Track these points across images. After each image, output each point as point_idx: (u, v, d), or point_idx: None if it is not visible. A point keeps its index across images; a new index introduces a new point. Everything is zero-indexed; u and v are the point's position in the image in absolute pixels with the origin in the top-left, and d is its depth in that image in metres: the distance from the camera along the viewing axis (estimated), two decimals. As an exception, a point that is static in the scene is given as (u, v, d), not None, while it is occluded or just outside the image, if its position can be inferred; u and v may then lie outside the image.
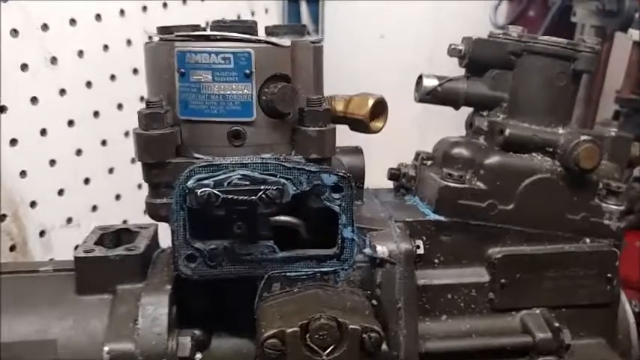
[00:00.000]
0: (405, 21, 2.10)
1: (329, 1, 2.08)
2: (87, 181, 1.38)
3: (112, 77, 1.41)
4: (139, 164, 1.49)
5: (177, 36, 0.74)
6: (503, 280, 0.86)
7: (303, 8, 2.08)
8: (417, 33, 2.12)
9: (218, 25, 0.75)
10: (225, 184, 0.73)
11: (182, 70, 0.74)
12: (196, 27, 0.77)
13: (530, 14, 2.05)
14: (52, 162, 1.31)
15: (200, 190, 0.70)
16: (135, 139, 0.75)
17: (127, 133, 1.45)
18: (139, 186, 1.48)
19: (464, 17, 2.06)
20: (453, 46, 0.89)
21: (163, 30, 0.76)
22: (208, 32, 0.74)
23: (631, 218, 1.52)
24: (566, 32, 1.61)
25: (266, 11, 1.85)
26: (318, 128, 0.77)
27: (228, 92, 0.74)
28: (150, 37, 0.77)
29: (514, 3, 2.10)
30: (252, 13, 1.78)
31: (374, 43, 2.11)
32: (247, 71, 0.73)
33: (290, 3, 2.05)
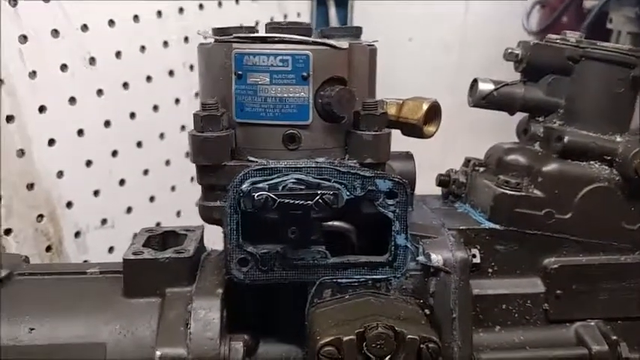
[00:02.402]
0: (432, 24, 2.09)
1: (357, 4, 2.08)
2: (122, 182, 1.38)
3: (148, 78, 1.41)
4: (173, 166, 1.50)
5: (234, 37, 0.73)
6: (558, 291, 0.84)
7: (332, 11, 2.08)
8: (444, 36, 2.11)
9: (274, 26, 0.74)
10: (280, 187, 0.72)
11: (239, 73, 0.73)
12: (252, 28, 0.76)
13: (564, 20, 2.02)
14: (89, 163, 1.31)
15: (257, 194, 0.69)
16: (190, 141, 0.74)
17: (162, 135, 1.44)
18: (173, 188, 1.48)
19: (492, 20, 2.05)
20: (509, 50, 0.87)
21: (220, 31, 0.75)
22: (266, 34, 0.73)
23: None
24: (600, 40, 1.58)
25: (298, 15, 1.85)
26: (373, 132, 0.76)
27: (285, 95, 0.73)
28: (205, 38, 0.76)
29: (547, 9, 2.07)
30: (285, 16, 1.77)
31: (402, 45, 2.10)
32: (305, 74, 0.72)
33: (319, 6, 2.05)
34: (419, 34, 2.14)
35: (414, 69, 2.08)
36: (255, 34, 0.73)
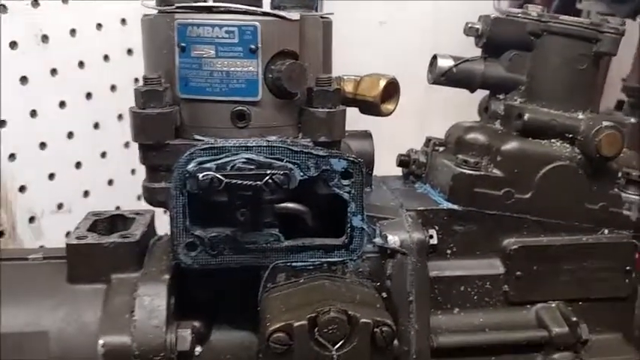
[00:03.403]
0: (405, 7, 2.06)
1: (327, -14, 2.04)
2: (78, 165, 1.33)
3: (105, 58, 1.35)
4: (132, 149, 1.44)
5: (177, 7, 0.69)
6: (518, 272, 0.83)
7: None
8: (417, 19, 2.08)
9: (221, -4, 0.70)
10: (229, 168, 0.68)
11: (183, 45, 0.69)
12: (198, -2, 0.72)
13: (534, 1, 2.01)
14: (43, 145, 1.26)
15: (202, 174, 0.66)
16: (131, 118, 0.71)
17: (120, 116, 1.39)
18: (133, 171, 1.43)
19: (465, 3, 2.02)
20: (470, 25, 0.84)
21: (162, 2, 0.71)
22: (211, 3, 0.69)
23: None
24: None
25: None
26: (327, 110, 0.73)
27: (232, 69, 0.69)
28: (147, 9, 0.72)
29: (518, -11, 2.05)
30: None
31: (374, 29, 2.07)
32: (253, 46, 0.69)
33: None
34: (391, 18, 2.10)
35: (386, 53, 2.05)
36: (199, 4, 0.69)
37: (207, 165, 0.68)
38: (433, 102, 1.73)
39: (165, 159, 0.71)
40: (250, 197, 0.70)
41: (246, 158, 0.69)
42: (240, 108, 0.71)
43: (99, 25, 1.33)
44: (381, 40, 2.01)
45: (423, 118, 1.89)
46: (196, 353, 0.75)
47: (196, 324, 0.75)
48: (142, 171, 1.43)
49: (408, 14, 2.03)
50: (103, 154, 1.38)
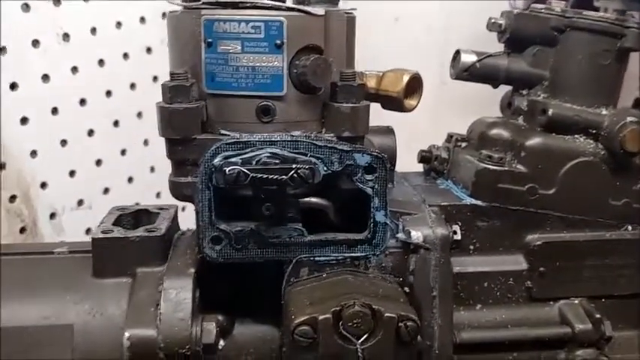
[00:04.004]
0: (418, 3, 2.05)
1: (342, -16, 2.03)
2: (99, 162, 1.34)
3: (125, 56, 1.36)
4: (151, 146, 1.46)
5: (203, 3, 0.70)
6: (541, 269, 0.82)
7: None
8: (431, 15, 2.07)
9: (247, -8, 0.71)
10: (254, 162, 0.69)
11: (209, 40, 0.69)
12: (224, -6, 0.72)
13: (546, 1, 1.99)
14: (64, 142, 1.27)
15: (229, 169, 0.66)
16: (158, 113, 0.71)
17: (139, 114, 1.40)
18: (152, 169, 1.44)
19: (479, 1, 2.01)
20: (493, 20, 0.84)
21: (189, -2, 0.72)
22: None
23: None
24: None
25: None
26: (351, 104, 0.73)
27: (258, 64, 0.70)
28: (173, 5, 0.73)
29: (533, -14, 2.04)
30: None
31: (388, 26, 2.07)
32: (278, 42, 0.69)
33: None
34: (405, 14, 2.10)
35: (400, 49, 2.04)
36: (225, 0, 0.69)
37: (233, 159, 0.68)
38: (446, 99, 1.72)
39: (191, 153, 0.71)
40: (275, 192, 0.70)
41: (271, 153, 0.70)
42: (265, 103, 0.71)
43: (118, 24, 1.34)
44: (396, 36, 2.01)
45: (436, 114, 1.89)
46: (220, 347, 0.75)
47: (220, 318, 0.75)
48: (161, 168, 1.45)
49: (422, 10, 2.03)
50: (123, 152, 1.39)
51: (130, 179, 1.41)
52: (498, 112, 0.95)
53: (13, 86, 1.17)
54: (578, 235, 0.83)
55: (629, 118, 0.80)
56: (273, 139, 0.70)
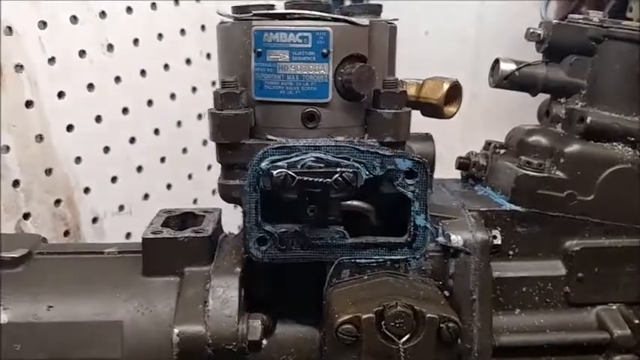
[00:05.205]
0: (448, 16, 2.07)
1: (372, -1, 2.06)
2: (139, 169, 1.38)
3: (166, 66, 1.41)
4: (190, 154, 1.50)
5: (254, 15, 0.73)
6: (580, 274, 0.83)
7: (347, 4, 2.06)
8: (461, 28, 2.09)
9: (294, 3, 0.74)
10: (299, 166, 0.71)
11: (259, 50, 0.72)
12: (271, 6, 0.75)
13: (582, 11, 1.99)
14: (106, 149, 1.31)
15: (276, 172, 0.69)
16: (209, 119, 0.74)
17: (179, 123, 1.44)
18: (189, 176, 1.48)
19: (509, 11, 2.02)
20: (531, 30, 0.86)
21: (239, 9, 0.75)
22: (285, 11, 0.73)
23: None
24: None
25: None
26: (394, 111, 0.75)
27: (305, 72, 0.72)
28: (223, 17, 0.76)
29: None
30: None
31: (419, 39, 2.09)
32: (325, 51, 0.72)
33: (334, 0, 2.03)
34: (435, 28, 2.12)
35: (431, 62, 2.06)
36: (275, 11, 0.73)
37: (279, 163, 0.71)
38: (476, 111, 1.73)
39: (240, 158, 0.74)
40: (318, 195, 0.72)
41: (315, 157, 0.72)
42: (310, 109, 0.74)
43: (160, 36, 1.39)
44: (426, 49, 2.02)
45: (466, 125, 1.90)
46: (262, 345, 0.78)
47: (264, 317, 0.78)
48: (197, 177, 1.49)
49: (452, 24, 2.05)
50: (163, 159, 1.43)
51: (169, 186, 1.45)
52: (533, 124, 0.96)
53: (61, 94, 1.21)
54: (617, 242, 0.84)
55: (667, 126, 0.81)
56: (317, 144, 0.72)
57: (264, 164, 0.71)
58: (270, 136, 0.75)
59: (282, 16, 0.72)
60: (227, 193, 0.77)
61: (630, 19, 1.82)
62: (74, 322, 0.74)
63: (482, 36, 2.08)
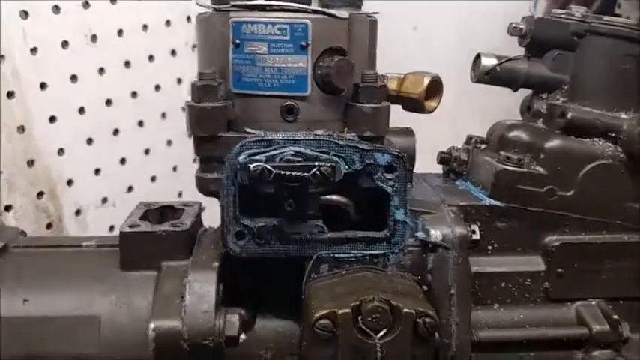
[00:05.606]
0: (438, 13, 2.06)
1: (360, -5, 2.05)
2: (123, 161, 1.37)
3: (150, 58, 1.40)
4: (175, 147, 1.49)
5: (232, 6, 0.72)
6: (559, 270, 0.83)
7: (334, 1, 2.05)
8: (450, 25, 2.08)
9: (273, -5, 0.73)
10: (277, 160, 0.70)
11: (237, 41, 0.72)
12: (250, -3, 0.75)
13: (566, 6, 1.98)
14: (90, 141, 1.30)
15: (253, 165, 0.68)
16: (187, 112, 0.74)
17: (163, 115, 1.44)
18: (174, 168, 1.47)
19: (498, 8, 2.02)
20: (514, 25, 0.85)
21: (218, 0, 0.74)
22: (264, 2, 0.72)
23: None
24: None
25: None
26: (373, 105, 0.75)
27: (283, 65, 0.72)
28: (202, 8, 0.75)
29: (554, -4, 2.04)
30: None
31: (406, 35, 2.08)
32: (303, 43, 0.71)
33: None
34: (423, 23, 2.11)
35: (419, 58, 2.05)
36: (254, 2, 0.72)
37: (257, 157, 0.70)
38: (464, 106, 1.73)
39: (217, 151, 0.73)
40: (297, 189, 0.71)
41: (294, 151, 0.71)
42: (289, 103, 0.73)
43: (145, 26, 1.37)
44: (414, 44, 2.02)
45: (454, 121, 1.90)
46: (241, 340, 0.77)
47: (242, 312, 0.77)
48: (182, 169, 1.48)
49: (440, 19, 2.04)
50: (147, 151, 1.42)
51: (153, 178, 1.44)
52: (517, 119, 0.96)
53: (43, 86, 1.20)
54: (597, 237, 0.84)
55: (648, 122, 0.81)
56: (296, 138, 0.71)
57: (241, 158, 0.70)
58: (248, 130, 0.74)
59: (260, 8, 0.72)
60: (205, 187, 0.77)
61: (619, 16, 1.83)
62: (50, 317, 0.74)
63: (471, 31, 2.08)
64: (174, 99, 1.44)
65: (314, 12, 0.72)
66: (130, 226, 0.79)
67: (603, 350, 0.81)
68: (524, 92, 0.94)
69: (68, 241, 0.87)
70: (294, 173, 0.69)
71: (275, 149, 0.71)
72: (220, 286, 0.75)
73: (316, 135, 0.72)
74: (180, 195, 1.47)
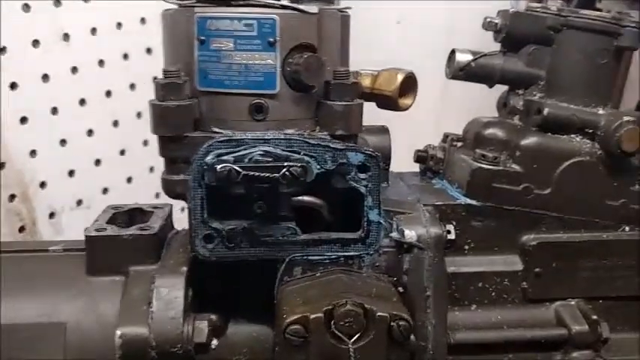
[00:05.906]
0: (421, 7, 2.05)
1: (343, -13, 2.03)
2: (98, 162, 1.35)
3: (125, 56, 1.37)
4: (151, 147, 1.46)
5: (197, 1, 0.70)
6: (537, 269, 0.82)
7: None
8: (433, 19, 2.07)
9: (240, -10, 0.71)
10: (246, 160, 0.68)
11: (202, 38, 0.69)
12: (217, -8, 0.72)
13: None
14: (63, 142, 1.27)
15: (220, 166, 0.66)
16: (151, 111, 0.71)
17: (139, 114, 1.41)
18: (151, 169, 1.44)
19: (481, 3, 2.01)
20: (489, 20, 0.84)
21: (183, -4, 0.72)
22: (230, -3, 0.70)
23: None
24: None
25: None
26: (345, 103, 0.73)
27: (251, 62, 0.70)
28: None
29: (536, -11, 2.03)
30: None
31: (390, 29, 2.07)
32: (271, 39, 0.69)
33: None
34: (407, 17, 2.10)
35: (403, 52, 2.04)
36: (219, -3, 0.69)
37: (225, 157, 0.68)
38: (448, 101, 1.72)
39: (183, 151, 0.71)
40: (267, 190, 0.70)
41: (263, 151, 0.69)
42: (258, 101, 0.71)
43: (119, 25, 1.35)
44: (398, 39, 2.00)
45: (438, 116, 1.89)
46: (213, 346, 0.75)
47: (213, 317, 0.75)
48: (159, 169, 1.45)
49: (424, 13, 2.03)
50: (122, 152, 1.39)
51: (129, 179, 1.42)
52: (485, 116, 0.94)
53: (13, 86, 1.17)
54: (575, 236, 0.83)
55: (625, 118, 0.79)
56: (265, 137, 0.69)
57: (209, 158, 0.68)
58: (215, 129, 0.72)
59: (226, 3, 0.69)
60: (171, 189, 0.74)
61: (599, 10, 1.82)
62: (15, 324, 0.71)
63: (456, 25, 2.07)
64: (150, 98, 1.40)
65: (282, 7, 0.69)
66: (97, 230, 0.77)
67: (583, 351, 0.80)
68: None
69: (34, 246, 0.84)
70: (263, 174, 0.67)
71: (244, 149, 0.69)
72: (189, 291, 0.73)
73: (286, 134, 0.70)
74: (157, 195, 1.44)
